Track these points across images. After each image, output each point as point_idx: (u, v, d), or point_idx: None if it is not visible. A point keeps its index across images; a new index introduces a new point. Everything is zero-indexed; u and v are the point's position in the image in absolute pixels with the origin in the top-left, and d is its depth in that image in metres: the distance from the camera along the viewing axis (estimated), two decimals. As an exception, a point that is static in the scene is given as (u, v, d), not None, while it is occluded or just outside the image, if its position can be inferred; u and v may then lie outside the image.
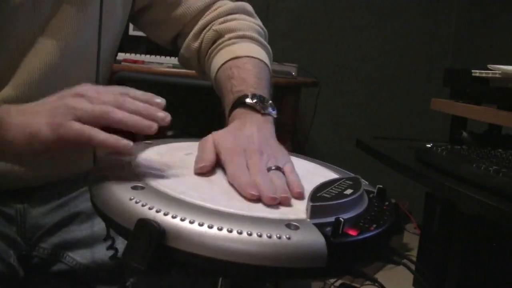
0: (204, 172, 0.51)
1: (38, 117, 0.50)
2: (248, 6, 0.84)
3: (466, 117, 1.25)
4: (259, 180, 0.48)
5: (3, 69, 0.65)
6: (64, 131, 0.48)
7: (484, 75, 1.17)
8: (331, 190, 0.47)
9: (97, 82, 0.72)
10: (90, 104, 0.49)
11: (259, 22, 0.83)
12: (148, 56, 1.86)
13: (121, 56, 1.81)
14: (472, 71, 1.21)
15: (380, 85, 2.53)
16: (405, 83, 2.54)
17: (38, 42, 0.66)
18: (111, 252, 0.57)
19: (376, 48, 2.50)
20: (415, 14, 2.50)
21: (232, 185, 0.49)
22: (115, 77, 1.61)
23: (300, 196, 0.49)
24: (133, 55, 1.83)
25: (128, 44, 1.92)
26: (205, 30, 0.80)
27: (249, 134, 0.57)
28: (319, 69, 2.34)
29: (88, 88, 0.51)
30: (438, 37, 2.54)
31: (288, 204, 0.47)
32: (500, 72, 1.11)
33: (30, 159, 0.54)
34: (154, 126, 0.48)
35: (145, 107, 0.49)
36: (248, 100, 0.63)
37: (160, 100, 0.51)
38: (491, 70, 1.15)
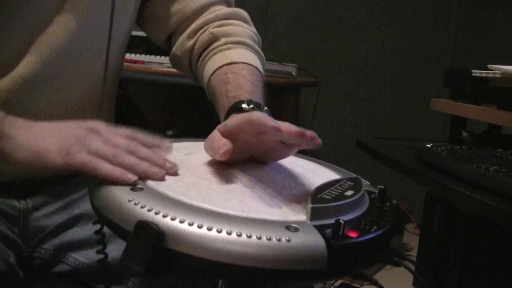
0: (227, 155, 0.50)
1: (47, 140, 0.51)
2: (245, 13, 0.84)
3: (466, 117, 1.25)
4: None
5: (15, 49, 0.66)
6: (71, 160, 0.49)
7: (484, 75, 1.17)
8: (331, 192, 0.47)
9: (105, 71, 0.73)
10: (103, 144, 0.50)
11: (254, 29, 0.83)
12: (148, 56, 1.85)
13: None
14: (472, 71, 1.21)
15: (380, 85, 2.53)
16: (405, 83, 2.54)
17: (51, 24, 0.67)
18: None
19: (376, 48, 2.50)
20: (415, 14, 2.50)
21: (232, 185, 0.49)
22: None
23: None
24: (133, 55, 1.83)
25: (128, 44, 1.91)
26: (200, 31, 0.80)
27: None
28: (319, 69, 2.34)
29: (102, 126, 0.53)
30: (438, 37, 2.54)
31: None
32: (500, 72, 1.11)
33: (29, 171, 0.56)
34: (162, 173, 0.49)
35: (153, 156, 0.51)
36: (244, 106, 0.63)
37: (168, 145, 0.54)
38: (491, 70, 1.15)
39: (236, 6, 0.86)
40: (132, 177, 0.47)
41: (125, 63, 1.90)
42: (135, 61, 1.80)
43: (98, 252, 0.59)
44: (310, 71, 2.21)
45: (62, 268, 0.73)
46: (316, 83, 2.09)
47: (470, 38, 2.41)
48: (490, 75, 1.15)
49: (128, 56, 1.82)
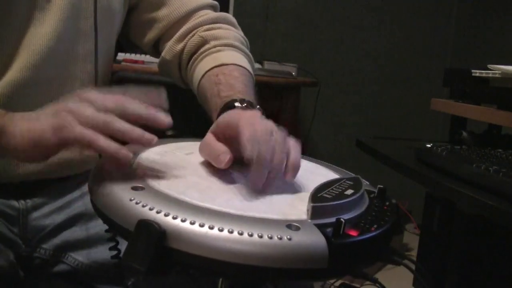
0: (229, 163, 0.50)
1: (40, 121, 0.50)
2: (232, 18, 0.85)
3: (466, 117, 1.25)
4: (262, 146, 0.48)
5: (5, 53, 0.66)
6: (66, 134, 0.48)
7: (484, 75, 1.17)
8: (331, 191, 0.47)
9: (96, 74, 0.73)
10: (93, 111, 0.49)
11: (241, 33, 0.85)
12: (148, 56, 1.85)
13: (121, 56, 1.80)
14: (472, 71, 1.21)
15: (380, 85, 2.53)
16: (405, 83, 2.54)
17: (36, 24, 0.67)
18: (113, 252, 0.58)
19: (376, 48, 2.50)
20: (415, 14, 2.50)
21: (233, 184, 0.49)
22: (115, 77, 1.61)
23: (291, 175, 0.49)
24: (133, 55, 1.83)
25: (128, 44, 1.91)
26: (189, 35, 0.80)
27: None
28: (319, 69, 2.34)
29: (91, 93, 0.51)
30: (438, 37, 2.54)
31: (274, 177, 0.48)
32: (500, 72, 1.11)
33: (38, 162, 0.55)
34: (154, 140, 0.49)
35: (147, 113, 0.50)
36: (237, 104, 0.63)
37: (162, 94, 0.53)
38: (491, 70, 1.15)
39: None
40: (127, 153, 0.47)
41: (125, 63, 1.91)
42: (135, 61, 1.80)
43: (110, 248, 0.59)
44: (310, 71, 2.21)
45: (62, 268, 0.73)
46: (316, 83, 2.09)
47: (470, 38, 2.42)
48: (490, 75, 1.15)
49: (128, 56, 1.82)
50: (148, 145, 0.49)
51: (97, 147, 0.47)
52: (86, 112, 0.49)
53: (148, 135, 0.48)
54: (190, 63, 0.80)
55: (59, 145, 0.49)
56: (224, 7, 1.93)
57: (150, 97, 0.52)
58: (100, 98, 0.50)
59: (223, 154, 0.51)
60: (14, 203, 0.71)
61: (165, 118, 0.50)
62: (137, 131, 0.48)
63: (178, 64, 0.82)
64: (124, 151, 0.47)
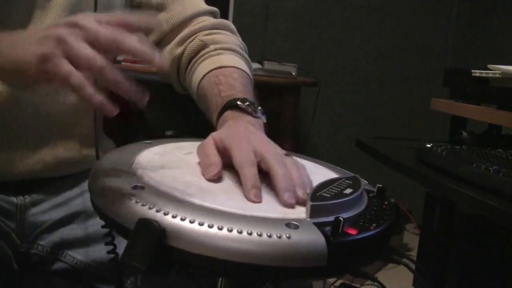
0: (216, 177, 0.50)
1: (24, 48, 0.47)
2: (231, 24, 0.86)
3: (466, 117, 1.25)
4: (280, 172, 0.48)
5: None
6: (51, 68, 0.45)
7: (484, 75, 1.17)
8: (330, 190, 0.47)
9: None
10: (87, 48, 0.45)
11: (240, 39, 0.85)
12: (148, 56, 1.85)
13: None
14: (472, 71, 1.21)
15: (380, 85, 2.53)
16: (405, 83, 2.54)
17: (36, 23, 0.67)
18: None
19: (376, 48, 2.50)
20: (415, 14, 2.51)
21: (232, 184, 0.49)
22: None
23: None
24: (133, 55, 1.83)
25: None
26: (189, 40, 0.81)
27: (249, 129, 0.58)
28: (319, 69, 2.34)
29: (87, 20, 0.47)
30: (438, 37, 2.54)
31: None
32: (500, 72, 1.12)
33: (20, 88, 0.51)
34: (144, 99, 0.46)
35: (140, 49, 0.46)
36: (239, 103, 0.63)
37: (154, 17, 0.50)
38: (491, 70, 1.15)
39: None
40: (112, 108, 0.44)
41: (125, 63, 1.90)
42: (135, 61, 1.80)
43: (106, 243, 0.59)
44: (310, 71, 2.21)
45: (60, 266, 0.73)
46: (316, 83, 2.09)
47: (470, 38, 2.42)
48: (490, 75, 1.15)
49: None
50: (138, 100, 0.45)
51: (83, 94, 0.44)
52: (80, 49, 0.45)
53: (138, 92, 0.45)
54: (190, 66, 0.80)
55: (41, 78, 0.46)
56: (224, 7, 1.93)
57: (142, 19, 0.49)
58: (95, 28, 0.46)
59: (213, 166, 0.50)
60: (13, 198, 0.72)
61: (159, 59, 0.47)
62: (128, 85, 0.45)
63: (177, 68, 0.83)
64: (109, 106, 0.44)
